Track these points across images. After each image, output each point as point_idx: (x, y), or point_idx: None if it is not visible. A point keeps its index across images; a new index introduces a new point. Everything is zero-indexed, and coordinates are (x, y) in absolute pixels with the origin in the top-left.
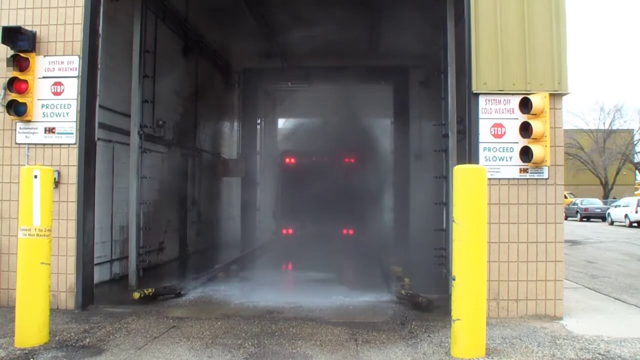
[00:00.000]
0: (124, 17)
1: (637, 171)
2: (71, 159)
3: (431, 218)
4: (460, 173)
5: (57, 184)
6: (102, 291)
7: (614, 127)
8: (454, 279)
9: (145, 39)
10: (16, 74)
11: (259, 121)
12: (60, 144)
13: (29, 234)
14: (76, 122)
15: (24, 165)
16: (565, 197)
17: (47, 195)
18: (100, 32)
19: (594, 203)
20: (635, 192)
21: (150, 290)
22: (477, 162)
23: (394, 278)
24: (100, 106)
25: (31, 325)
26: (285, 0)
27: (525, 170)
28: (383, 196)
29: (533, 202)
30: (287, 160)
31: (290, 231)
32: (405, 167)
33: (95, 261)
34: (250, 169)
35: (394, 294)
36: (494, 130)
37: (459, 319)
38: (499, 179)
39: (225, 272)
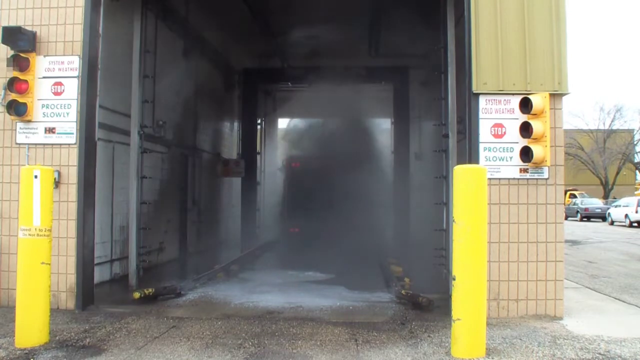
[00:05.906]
0: (124, 17)
1: (637, 171)
2: (71, 159)
3: (431, 218)
4: (461, 173)
5: (57, 184)
6: (102, 291)
7: (614, 127)
8: (454, 279)
9: (145, 39)
10: (16, 74)
11: (259, 121)
12: (61, 144)
13: (29, 234)
14: (76, 122)
15: (24, 165)
16: (575, 196)
17: (47, 195)
18: (101, 32)
19: (594, 203)
20: (635, 192)
21: (150, 290)
22: (477, 162)
23: (394, 278)
24: (100, 106)
25: (31, 325)
26: (285, 0)
27: (525, 170)
28: (383, 196)
29: (533, 202)
30: (293, 165)
31: (297, 230)
32: (405, 167)
33: (96, 261)
34: (250, 169)
35: (394, 294)
36: (494, 130)
37: (459, 319)
38: (499, 179)
39: (226, 272)
